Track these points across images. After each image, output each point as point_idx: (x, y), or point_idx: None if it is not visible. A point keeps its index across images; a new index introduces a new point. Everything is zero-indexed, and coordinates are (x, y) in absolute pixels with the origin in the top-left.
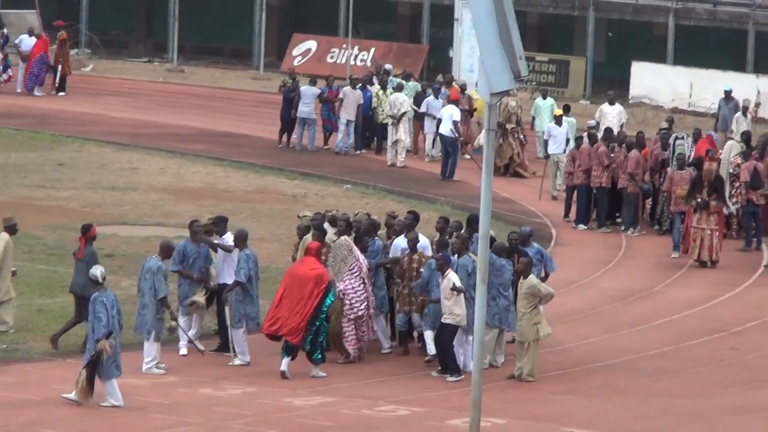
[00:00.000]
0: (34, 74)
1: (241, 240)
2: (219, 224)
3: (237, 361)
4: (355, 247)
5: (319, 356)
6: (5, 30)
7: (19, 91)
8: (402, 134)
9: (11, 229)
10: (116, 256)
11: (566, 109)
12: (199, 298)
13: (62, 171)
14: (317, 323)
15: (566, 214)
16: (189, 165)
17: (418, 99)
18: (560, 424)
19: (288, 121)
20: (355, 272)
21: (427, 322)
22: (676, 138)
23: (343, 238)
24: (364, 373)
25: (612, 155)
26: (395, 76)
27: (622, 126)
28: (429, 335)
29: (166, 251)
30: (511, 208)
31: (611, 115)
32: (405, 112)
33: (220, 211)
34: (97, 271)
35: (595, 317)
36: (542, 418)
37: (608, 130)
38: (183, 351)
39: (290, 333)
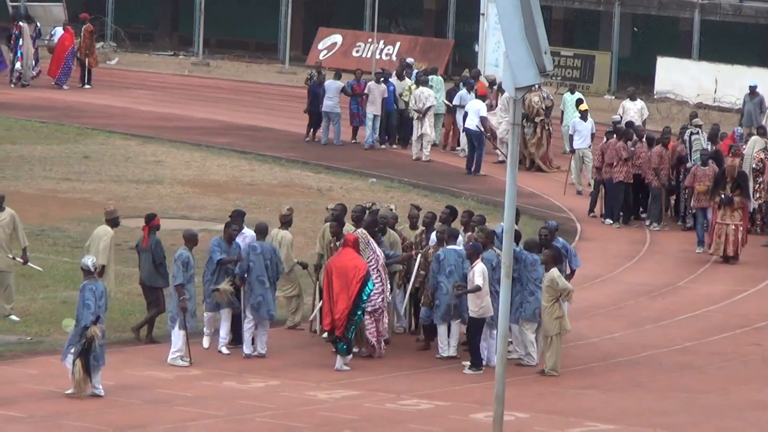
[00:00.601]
0: (68, 68)
1: (259, 233)
2: (236, 219)
3: (224, 350)
4: (372, 240)
5: (344, 347)
6: (38, 24)
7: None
8: (427, 128)
9: (113, 222)
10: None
11: (577, 104)
12: (226, 286)
13: (87, 164)
14: (359, 312)
15: (591, 210)
16: (214, 158)
17: (448, 94)
18: (583, 418)
19: (315, 116)
20: (372, 265)
21: (437, 315)
22: (691, 133)
23: (360, 230)
24: (387, 367)
25: (632, 150)
26: (424, 71)
27: (644, 122)
28: (442, 330)
29: (189, 240)
30: (536, 203)
31: (632, 111)
32: (430, 107)
33: (245, 204)
34: (88, 260)
35: (619, 312)
36: (565, 412)
37: (629, 125)
38: (205, 344)
39: (333, 324)
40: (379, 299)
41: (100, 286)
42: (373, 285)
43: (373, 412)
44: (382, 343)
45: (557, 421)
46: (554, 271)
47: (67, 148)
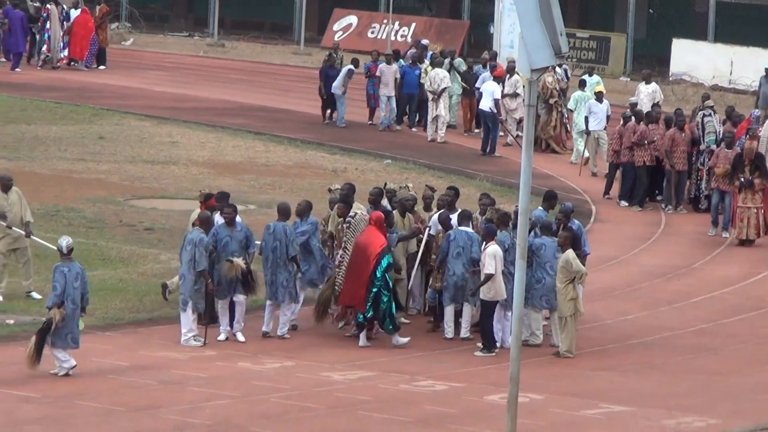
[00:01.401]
0: (94, 49)
1: (281, 214)
2: (221, 200)
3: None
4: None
5: (390, 325)
6: (64, 6)
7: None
8: (442, 110)
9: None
10: (156, 229)
11: (581, 85)
12: (239, 261)
13: (102, 144)
14: (374, 289)
15: (607, 192)
16: (229, 139)
17: (465, 76)
18: (598, 400)
19: (328, 97)
20: None
21: (446, 297)
22: (704, 115)
23: (361, 213)
24: (402, 348)
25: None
26: (441, 53)
27: (657, 104)
28: (449, 311)
29: (204, 223)
30: (551, 185)
31: (643, 94)
32: (445, 88)
33: (260, 186)
34: (63, 242)
35: (634, 294)
36: (580, 394)
37: (633, 106)
38: (221, 336)
39: (352, 300)
40: None
41: (75, 268)
42: (389, 261)
43: (387, 393)
44: (375, 324)
45: (572, 402)
46: (569, 253)
47: (82, 129)
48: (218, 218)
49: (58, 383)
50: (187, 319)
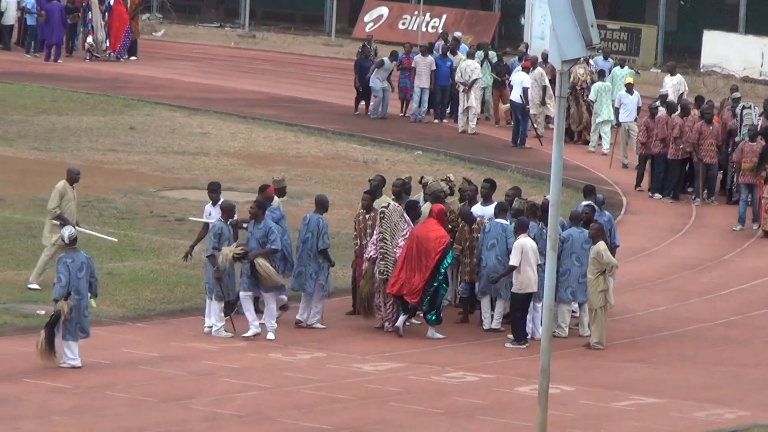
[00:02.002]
0: (128, 41)
1: (319, 206)
2: (216, 190)
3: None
4: (405, 214)
5: (433, 317)
6: None
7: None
8: (473, 101)
9: (281, 192)
10: (186, 220)
11: (601, 75)
12: (229, 249)
13: (133, 135)
14: (435, 284)
15: (638, 184)
16: (260, 130)
17: (497, 68)
18: (628, 392)
19: (362, 90)
20: (405, 235)
21: (478, 288)
22: (743, 107)
23: (394, 203)
24: (433, 340)
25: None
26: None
27: (681, 95)
28: (485, 303)
29: (226, 212)
30: (581, 176)
31: (669, 86)
32: (476, 79)
33: (291, 177)
34: (65, 232)
35: (664, 285)
36: (610, 385)
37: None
38: (249, 332)
39: (410, 293)
40: None
41: (80, 258)
42: (453, 257)
43: (418, 385)
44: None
45: (602, 394)
46: (600, 245)
47: (113, 120)
48: (209, 208)
49: (89, 374)
50: (214, 309)
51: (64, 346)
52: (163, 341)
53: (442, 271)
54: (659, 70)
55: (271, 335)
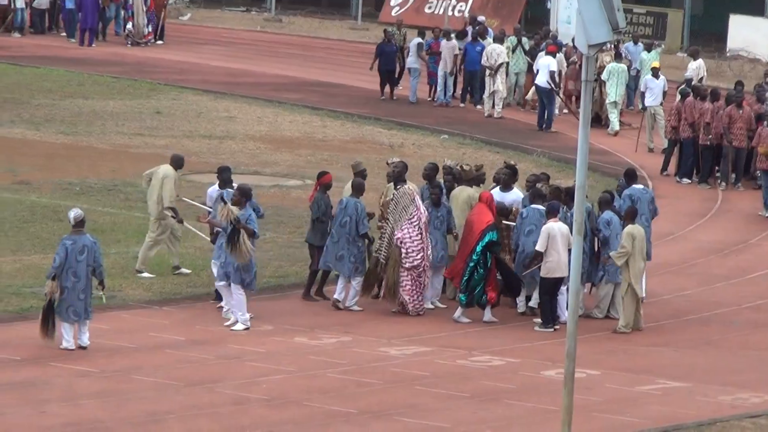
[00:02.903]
0: (155, 26)
1: (355, 190)
2: (224, 173)
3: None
4: (418, 197)
5: (465, 299)
6: None
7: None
8: (499, 85)
9: (361, 175)
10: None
11: (616, 57)
12: (234, 208)
13: (159, 119)
14: (471, 264)
15: (665, 168)
16: (286, 114)
17: (531, 54)
18: (654, 375)
19: (384, 74)
20: (414, 222)
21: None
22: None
23: (407, 186)
24: (459, 324)
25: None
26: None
27: (701, 80)
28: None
29: (243, 195)
30: (607, 160)
31: (690, 70)
32: (502, 63)
33: (317, 161)
34: (71, 213)
35: (690, 270)
36: (636, 369)
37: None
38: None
39: (454, 275)
40: (419, 257)
41: (83, 241)
42: (496, 237)
43: (444, 369)
44: (421, 302)
45: (628, 378)
46: (628, 227)
47: (139, 104)
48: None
49: (115, 358)
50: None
51: (60, 327)
52: (190, 325)
53: (478, 251)
54: (685, 54)
55: (239, 326)
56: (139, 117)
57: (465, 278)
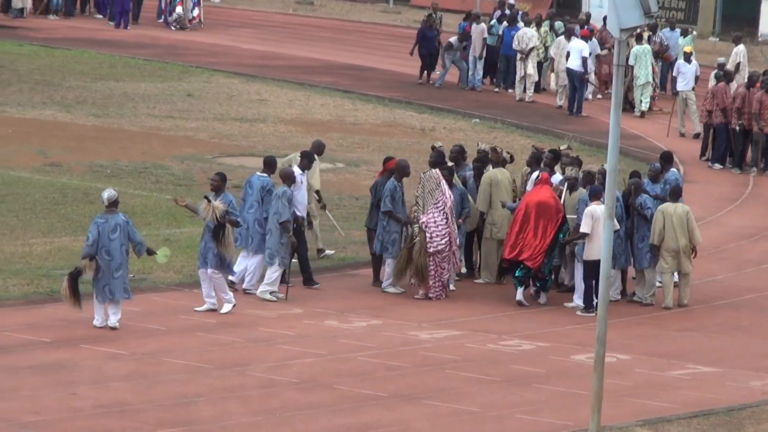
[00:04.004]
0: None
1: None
2: (269, 166)
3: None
4: (443, 181)
5: (541, 283)
6: None
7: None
8: (530, 69)
9: (438, 155)
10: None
11: (638, 39)
12: (218, 203)
13: (191, 101)
14: (553, 250)
15: (703, 153)
16: (317, 97)
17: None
18: (684, 360)
19: (426, 58)
20: (440, 206)
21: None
22: None
23: (433, 170)
24: (489, 308)
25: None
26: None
27: (738, 65)
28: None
29: (287, 179)
30: (639, 145)
31: (740, 56)
32: (533, 47)
33: (348, 144)
34: (105, 194)
35: (721, 255)
36: (666, 354)
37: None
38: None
39: (531, 257)
40: (443, 242)
41: (115, 219)
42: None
43: (474, 353)
44: (446, 287)
45: (658, 363)
46: (661, 206)
47: (170, 86)
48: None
49: (146, 341)
50: (272, 273)
51: (95, 305)
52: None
53: (561, 237)
54: (717, 39)
55: (227, 307)
56: (170, 99)
57: (549, 263)
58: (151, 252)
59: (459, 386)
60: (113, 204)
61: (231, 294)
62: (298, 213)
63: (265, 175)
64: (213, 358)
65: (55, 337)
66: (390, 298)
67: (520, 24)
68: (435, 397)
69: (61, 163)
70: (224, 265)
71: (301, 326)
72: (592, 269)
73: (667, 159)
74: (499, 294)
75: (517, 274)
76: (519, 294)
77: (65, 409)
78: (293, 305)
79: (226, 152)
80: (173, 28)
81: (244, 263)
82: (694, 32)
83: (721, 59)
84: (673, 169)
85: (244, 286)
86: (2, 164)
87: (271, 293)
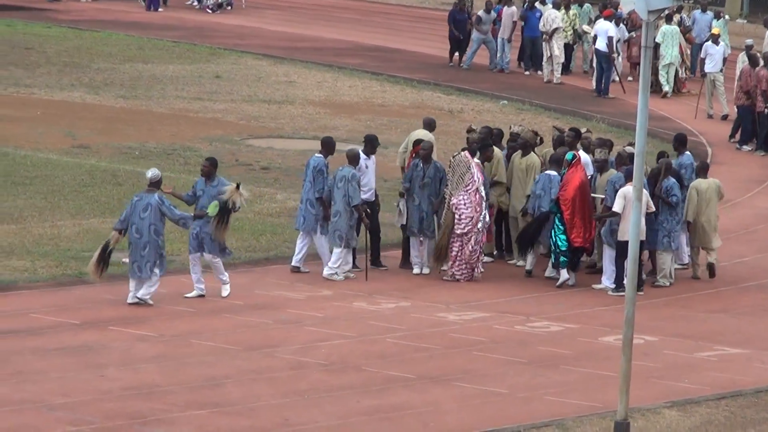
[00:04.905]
0: None
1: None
2: (325, 146)
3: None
4: (473, 164)
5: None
6: None
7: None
8: (555, 50)
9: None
10: (272, 168)
11: (668, 20)
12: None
13: (219, 83)
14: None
15: (732, 135)
16: (345, 79)
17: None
18: (712, 342)
19: (455, 41)
20: (470, 189)
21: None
22: None
23: (463, 154)
24: (517, 289)
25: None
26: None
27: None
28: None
29: (352, 160)
30: (667, 126)
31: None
32: (557, 28)
33: (376, 126)
34: (148, 173)
35: (749, 236)
36: (694, 336)
37: (748, 49)
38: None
39: (587, 241)
40: (470, 224)
41: (148, 199)
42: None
43: (502, 334)
44: (474, 269)
45: (686, 344)
46: (694, 182)
47: (198, 68)
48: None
49: (174, 322)
50: (339, 255)
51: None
52: (248, 289)
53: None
54: (745, 21)
55: (226, 290)
56: (198, 81)
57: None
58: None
59: (487, 368)
60: (154, 184)
61: (227, 275)
62: (363, 196)
63: (321, 155)
64: (241, 339)
65: (83, 319)
66: (418, 280)
67: (541, 6)
68: (463, 378)
69: (89, 145)
70: (222, 250)
71: (330, 308)
72: (625, 249)
73: (681, 141)
74: (534, 276)
75: (563, 260)
76: (566, 275)
77: (93, 391)
78: (322, 287)
79: (255, 134)
80: (209, 11)
81: (300, 244)
82: (727, 16)
83: (749, 41)
84: (687, 152)
85: (293, 263)
86: (31, 146)
87: (341, 273)
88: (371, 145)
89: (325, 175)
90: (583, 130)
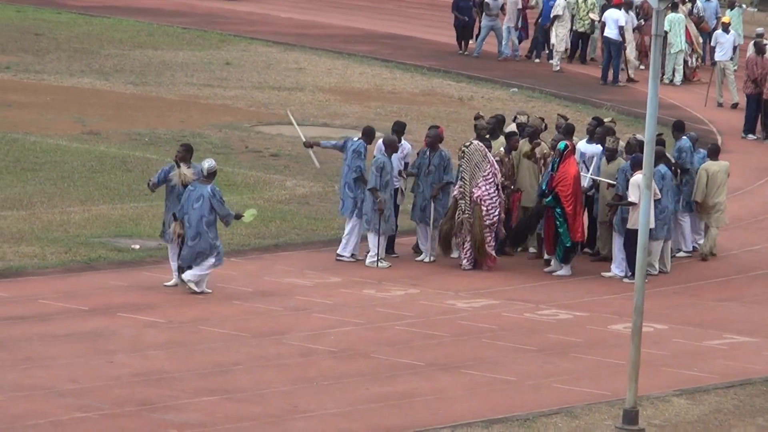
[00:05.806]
0: None
1: (431, 144)
2: (366, 135)
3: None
4: (489, 153)
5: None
6: None
7: None
8: (553, 38)
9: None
10: (281, 156)
11: (674, 8)
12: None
13: (229, 70)
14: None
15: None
16: (355, 66)
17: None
18: (722, 330)
19: (461, 29)
20: (490, 178)
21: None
22: None
23: (476, 142)
24: (527, 277)
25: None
26: None
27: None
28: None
29: (389, 147)
30: (677, 114)
31: None
32: (556, 16)
33: (386, 113)
34: (205, 164)
35: (759, 225)
36: (704, 324)
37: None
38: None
39: (583, 233)
40: (497, 212)
41: (201, 190)
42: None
43: (511, 322)
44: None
45: (695, 333)
46: (704, 164)
47: (208, 55)
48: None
49: (183, 309)
50: (373, 240)
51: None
52: (257, 276)
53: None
54: (756, 9)
55: (202, 287)
56: (208, 68)
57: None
58: (239, 216)
59: (496, 355)
60: (210, 175)
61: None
62: (395, 184)
63: (361, 140)
64: (250, 326)
65: (92, 306)
66: (427, 267)
67: None
68: (472, 366)
69: (99, 131)
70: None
71: (339, 295)
72: (635, 238)
73: (678, 128)
74: (536, 264)
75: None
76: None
77: (103, 377)
78: (331, 274)
79: (264, 121)
80: None
81: (347, 230)
82: (743, 5)
83: (760, 29)
84: (685, 137)
85: (338, 251)
86: (41, 132)
87: (378, 260)
88: (368, 136)
89: (363, 157)
90: (606, 120)
